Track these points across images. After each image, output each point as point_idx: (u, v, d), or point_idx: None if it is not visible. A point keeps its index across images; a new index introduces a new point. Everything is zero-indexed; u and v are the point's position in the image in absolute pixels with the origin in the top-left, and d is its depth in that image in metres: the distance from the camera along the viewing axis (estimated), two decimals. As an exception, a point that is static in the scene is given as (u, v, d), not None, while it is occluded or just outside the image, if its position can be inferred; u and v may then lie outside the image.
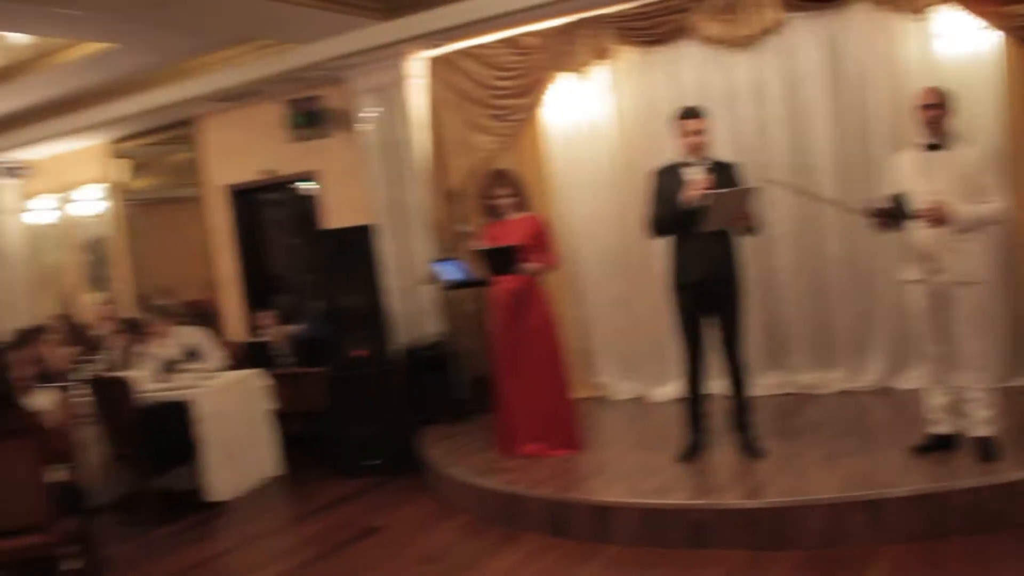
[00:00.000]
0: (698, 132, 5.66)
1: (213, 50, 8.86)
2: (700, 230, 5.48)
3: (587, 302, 8.16)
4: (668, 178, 5.72)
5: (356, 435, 7.42)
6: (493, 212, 6.55)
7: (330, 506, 6.82)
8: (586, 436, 6.72)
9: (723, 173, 5.67)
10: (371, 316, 7.48)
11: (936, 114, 5.18)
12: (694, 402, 5.95)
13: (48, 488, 5.07)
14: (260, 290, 10.37)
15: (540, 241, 6.43)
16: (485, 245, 6.35)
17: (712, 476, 5.61)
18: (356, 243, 7.55)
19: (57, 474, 5.40)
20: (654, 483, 5.52)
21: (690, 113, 5.70)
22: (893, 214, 5.17)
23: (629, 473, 5.83)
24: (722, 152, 7.10)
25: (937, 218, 5.04)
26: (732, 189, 5.52)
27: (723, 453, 5.92)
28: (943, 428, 5.39)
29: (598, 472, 5.99)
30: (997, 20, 6.46)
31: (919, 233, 5.17)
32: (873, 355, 7.21)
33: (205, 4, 6.91)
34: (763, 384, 7.40)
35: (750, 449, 5.79)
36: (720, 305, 5.73)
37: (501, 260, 6.24)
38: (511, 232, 6.40)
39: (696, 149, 5.67)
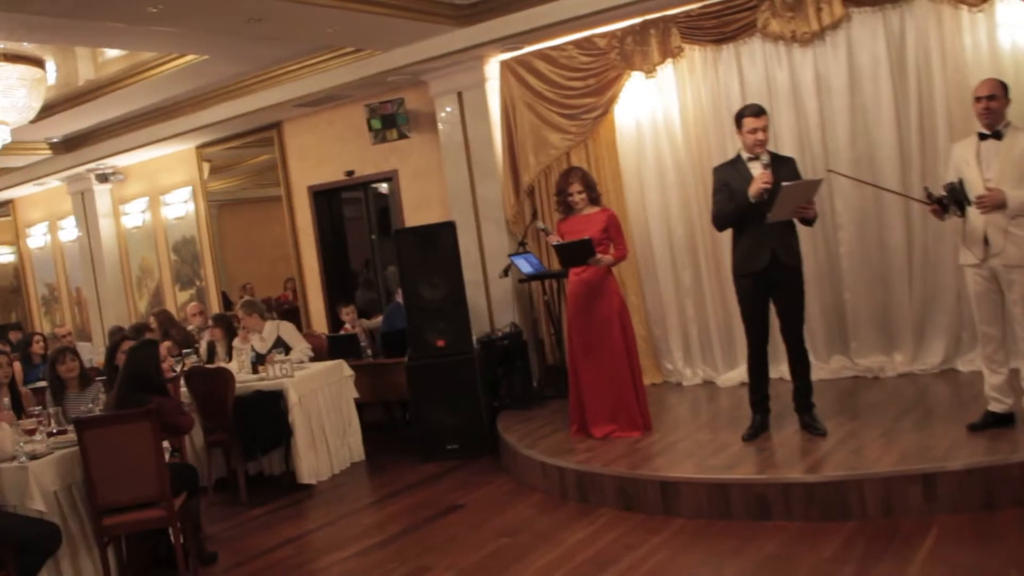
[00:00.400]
0: (759, 129, 5.92)
1: (298, 58, 9.33)
2: (767, 221, 5.75)
3: (658, 292, 8.47)
4: (731, 173, 6.03)
5: (436, 420, 7.81)
6: (567, 207, 6.88)
7: (413, 487, 7.22)
8: (656, 419, 7.04)
9: (782, 167, 5.95)
10: (450, 308, 7.86)
11: (990, 105, 5.40)
12: (758, 385, 6.25)
13: (166, 467, 5.53)
14: (341, 285, 10.86)
15: (612, 234, 6.76)
16: (562, 240, 6.68)
17: (774, 453, 5.87)
18: (437, 238, 7.93)
19: (170, 455, 5.89)
20: (719, 460, 5.83)
21: (752, 111, 5.98)
22: (951, 201, 5.43)
23: (696, 451, 6.14)
24: (787, 146, 7.47)
25: (992, 203, 5.26)
26: (800, 181, 5.81)
27: (786, 433, 6.18)
28: (1000, 407, 5.60)
29: (667, 451, 6.29)
30: (1056, 10, 6.61)
31: (975, 219, 5.40)
32: (935, 338, 7.40)
33: (294, 16, 7.31)
34: (827, 368, 7.71)
35: (811, 428, 6.06)
36: (782, 293, 6.01)
37: (577, 253, 6.58)
38: (585, 226, 6.73)
39: (758, 145, 5.94)
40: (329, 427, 7.93)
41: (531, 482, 6.70)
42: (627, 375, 6.74)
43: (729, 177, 6.01)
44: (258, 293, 11.61)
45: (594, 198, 6.87)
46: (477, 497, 6.71)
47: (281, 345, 8.27)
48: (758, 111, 5.97)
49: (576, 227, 6.76)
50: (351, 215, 11.10)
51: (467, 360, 7.83)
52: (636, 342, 7.02)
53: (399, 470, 7.77)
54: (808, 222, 5.97)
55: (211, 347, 9.05)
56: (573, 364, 6.94)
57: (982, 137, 5.47)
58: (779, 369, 7.45)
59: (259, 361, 8.10)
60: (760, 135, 5.93)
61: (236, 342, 8.54)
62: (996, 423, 5.60)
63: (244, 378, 7.86)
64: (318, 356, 8.73)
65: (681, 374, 8.40)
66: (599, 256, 6.63)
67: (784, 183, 5.69)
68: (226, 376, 7.42)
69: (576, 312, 6.85)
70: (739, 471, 5.55)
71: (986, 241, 5.38)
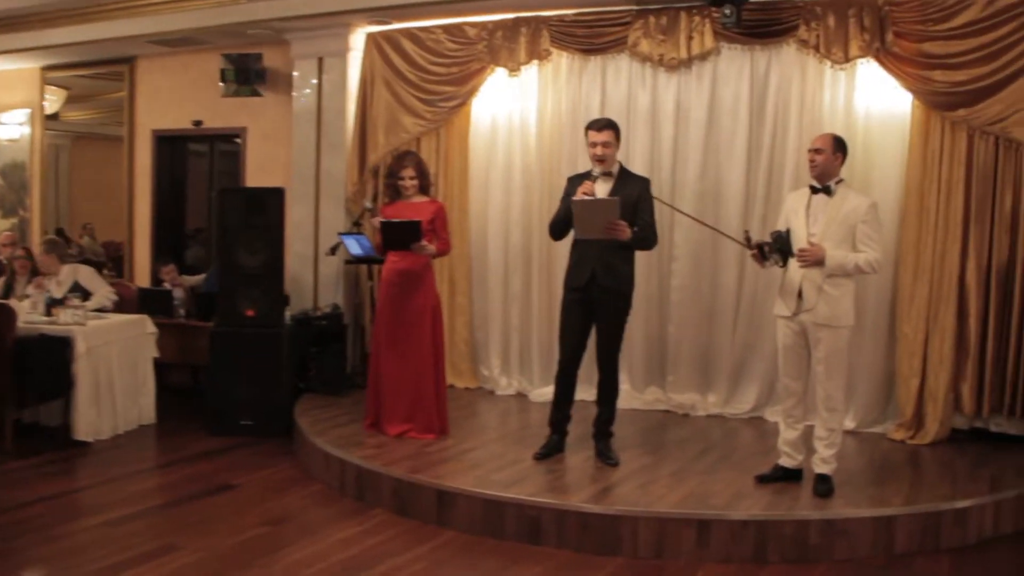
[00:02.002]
0: (598, 144, 5.71)
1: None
2: (576, 237, 5.58)
3: (486, 295, 8.21)
4: (573, 186, 5.81)
5: (233, 393, 7.38)
6: (396, 192, 6.59)
7: (193, 459, 6.80)
8: (457, 424, 6.80)
9: (628, 186, 5.75)
10: (267, 277, 7.46)
11: (815, 158, 5.39)
12: (560, 404, 6.03)
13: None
14: (173, 239, 10.30)
15: (437, 227, 6.48)
16: (387, 218, 6.38)
17: (561, 477, 5.69)
18: (264, 203, 7.50)
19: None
20: (504, 475, 5.60)
21: (595, 125, 5.78)
22: (773, 249, 5.35)
23: (484, 463, 5.90)
24: (638, 169, 7.26)
25: (812, 259, 5.21)
26: (594, 199, 5.57)
27: (580, 458, 6.01)
28: (790, 462, 5.57)
29: (455, 459, 6.04)
30: (910, 83, 6.65)
31: (794, 271, 5.35)
32: (749, 384, 7.38)
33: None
34: (641, 398, 7.62)
35: (604, 457, 5.89)
36: (600, 314, 5.81)
37: (404, 235, 6.28)
38: (411, 214, 6.43)
39: (599, 161, 5.73)
40: (119, 384, 7.43)
41: (314, 472, 6.37)
42: (430, 375, 6.46)
43: (573, 188, 5.80)
44: (100, 235, 10.99)
45: (425, 187, 6.59)
46: (254, 479, 6.33)
47: (79, 291, 7.72)
48: (601, 125, 5.77)
49: (402, 213, 6.46)
50: (196, 168, 10.53)
51: (275, 334, 7.43)
52: (444, 342, 6.76)
53: (186, 439, 7.32)
54: (631, 245, 5.71)
55: (9, 283, 8.40)
56: (376, 355, 6.64)
57: (814, 190, 5.43)
58: (592, 391, 7.37)
59: (54, 304, 7.53)
60: (599, 150, 5.71)
61: (34, 280, 7.93)
62: (784, 477, 5.55)
63: (33, 319, 7.30)
64: (126, 308, 8.23)
65: (496, 382, 8.16)
66: (424, 244, 6.34)
67: (574, 198, 5.51)
68: (7, 312, 6.84)
69: (387, 301, 6.56)
70: (518, 490, 5.32)
71: (800, 295, 5.32)
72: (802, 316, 5.32)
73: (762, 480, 5.55)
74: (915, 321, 6.73)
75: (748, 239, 5.47)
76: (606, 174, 5.76)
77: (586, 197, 5.51)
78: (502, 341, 8.17)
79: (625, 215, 5.55)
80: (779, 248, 5.34)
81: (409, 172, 6.48)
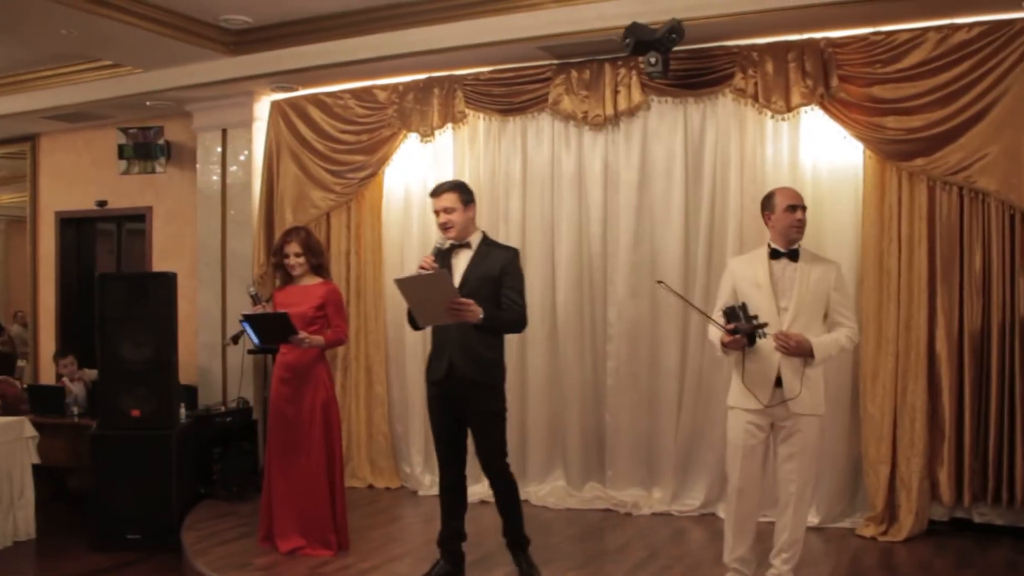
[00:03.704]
0: (439, 211, 4.87)
1: (51, 64, 8.18)
2: (419, 326, 4.84)
3: (406, 383, 7.38)
4: (440, 261, 4.89)
5: (118, 504, 6.48)
6: (286, 274, 5.80)
7: (60, 586, 5.90)
8: (364, 535, 5.98)
9: (490, 258, 4.86)
10: (155, 373, 6.61)
11: (803, 219, 4.62)
12: (446, 518, 5.12)
13: None
14: (81, 329, 9.47)
15: (329, 312, 5.68)
16: (254, 311, 5.56)
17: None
18: (150, 290, 6.68)
19: None
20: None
21: (434, 191, 4.95)
22: (750, 330, 4.45)
23: (380, 589, 5.03)
24: (565, 239, 6.67)
25: (797, 350, 4.42)
26: (416, 275, 4.65)
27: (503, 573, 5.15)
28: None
29: (348, 583, 5.17)
30: (860, 131, 5.98)
31: (770, 355, 4.49)
32: (698, 477, 6.56)
33: (15, 4, 6.17)
34: (579, 496, 6.84)
35: (523, 570, 5.02)
36: (469, 412, 4.90)
37: (273, 328, 5.49)
38: (301, 298, 5.67)
39: (445, 229, 4.88)
40: (-9, 497, 6.54)
41: (196, 598, 5.49)
42: (323, 484, 5.59)
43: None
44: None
45: (316, 266, 5.78)
46: (123, 611, 5.44)
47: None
48: (440, 190, 4.92)
49: (292, 299, 5.68)
50: (105, 250, 9.76)
51: (164, 436, 6.56)
52: (341, 444, 5.87)
53: (64, 557, 6.36)
54: (487, 328, 4.70)
55: None
56: (269, 462, 5.78)
57: (775, 255, 4.62)
58: (526, 491, 6.56)
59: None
60: (441, 217, 4.85)
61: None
62: None
63: None
64: (11, 409, 7.37)
65: (419, 481, 7.27)
66: (302, 336, 5.50)
67: (397, 277, 4.68)
68: None
69: (275, 401, 5.73)
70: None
71: (779, 383, 4.49)
72: (776, 408, 4.50)
73: None
74: (881, 399, 5.96)
75: (733, 324, 4.51)
76: (462, 246, 4.89)
77: (418, 273, 4.64)
78: (424, 434, 7.27)
79: (485, 293, 4.72)
80: (751, 327, 4.44)
81: (294, 249, 5.70)
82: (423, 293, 4.60)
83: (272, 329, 5.48)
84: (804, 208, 4.64)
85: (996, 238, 5.70)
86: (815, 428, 4.56)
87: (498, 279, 4.79)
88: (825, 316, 4.58)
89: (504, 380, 4.97)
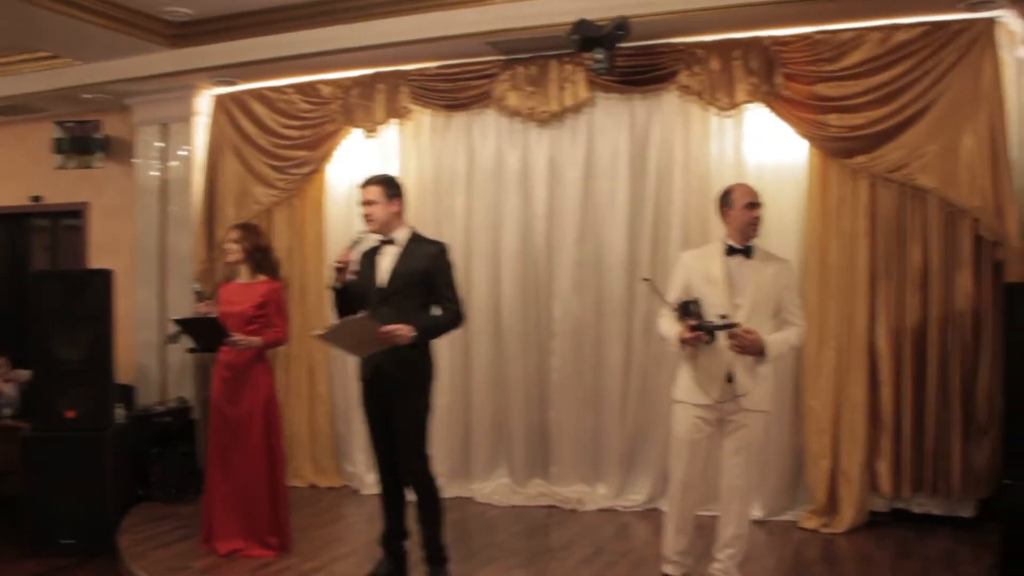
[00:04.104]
0: (366, 203, 4.78)
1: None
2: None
3: (348, 382, 7.20)
4: (363, 258, 4.83)
5: (52, 507, 6.31)
6: (228, 271, 5.69)
7: (-8, 591, 5.73)
8: (307, 534, 5.89)
9: (417, 255, 4.77)
10: (90, 373, 6.45)
11: (760, 216, 4.66)
12: (386, 518, 5.06)
13: None
14: (13, 329, 9.22)
15: (270, 311, 5.57)
16: (193, 314, 5.45)
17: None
18: (86, 287, 6.52)
19: None
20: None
21: (363, 182, 4.87)
22: (716, 329, 4.44)
23: (322, 589, 4.94)
24: (510, 235, 6.65)
25: (752, 348, 4.43)
26: (337, 325, 4.62)
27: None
28: (678, 571, 4.77)
29: (289, 583, 5.08)
30: (804, 128, 6.03)
31: (722, 352, 4.50)
32: (642, 473, 6.56)
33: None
34: (523, 493, 6.80)
35: None
36: (393, 410, 4.80)
37: (206, 332, 5.40)
38: (243, 296, 5.56)
39: (368, 221, 4.82)
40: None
41: (134, 602, 5.36)
42: (263, 484, 5.50)
43: (360, 265, 4.80)
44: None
45: (260, 262, 5.66)
46: (56, 617, 5.29)
47: None
48: (366, 182, 4.84)
49: (232, 296, 5.58)
50: (40, 247, 9.52)
51: (99, 438, 6.40)
52: (282, 444, 5.77)
53: (-3, 565, 6.24)
54: (423, 340, 4.72)
55: None
56: (210, 462, 5.66)
57: (731, 251, 4.63)
58: (470, 488, 6.55)
59: None
60: (364, 208, 4.77)
61: None
62: None
63: None
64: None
65: (362, 480, 7.17)
66: (237, 339, 5.38)
67: (317, 333, 4.69)
68: None
69: (215, 401, 5.62)
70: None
71: (729, 380, 4.50)
72: (727, 404, 4.51)
73: None
74: (823, 394, 6.02)
75: (692, 321, 4.48)
76: (387, 241, 4.81)
77: (331, 326, 4.61)
78: (365, 433, 7.18)
79: (412, 289, 4.69)
80: (710, 324, 4.44)
81: (232, 236, 5.60)
82: (350, 336, 4.57)
83: (206, 333, 5.38)
84: (761, 205, 4.67)
85: (935, 234, 5.78)
86: (762, 424, 4.61)
87: (425, 273, 4.73)
88: (775, 313, 4.60)
89: (432, 380, 4.87)
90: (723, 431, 4.60)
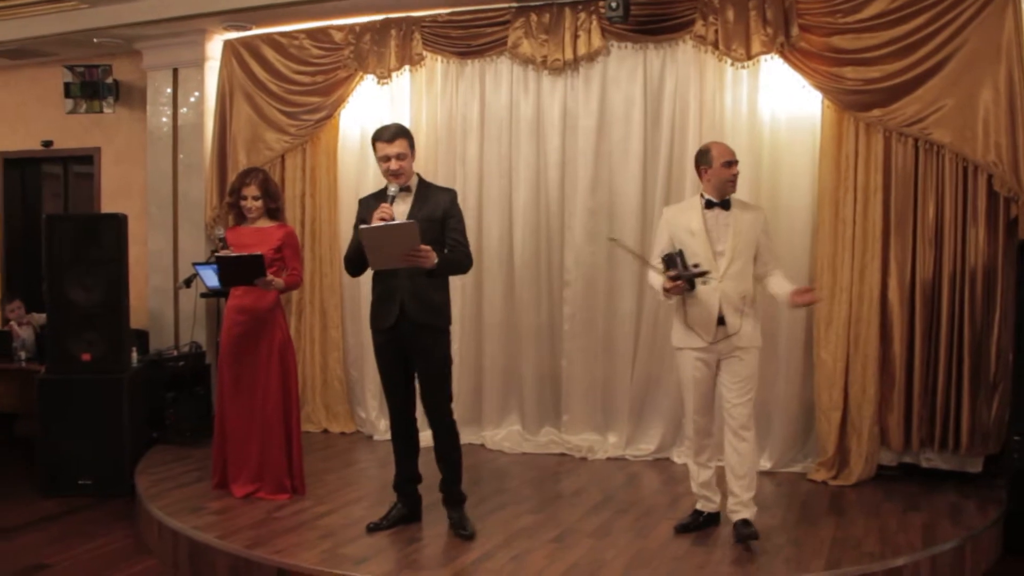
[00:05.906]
0: (391, 157, 4.74)
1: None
2: (371, 268, 4.75)
3: (361, 327, 7.30)
4: (366, 209, 4.85)
5: (69, 449, 6.40)
6: (240, 214, 5.70)
7: (12, 531, 5.78)
8: (319, 479, 5.97)
9: (431, 202, 4.81)
10: (105, 316, 6.50)
11: (737, 173, 4.83)
12: (400, 463, 5.13)
13: None
14: (28, 272, 9.28)
15: (286, 255, 5.61)
16: (228, 252, 5.46)
17: (422, 550, 4.78)
18: (100, 232, 6.54)
19: None
20: (355, 550, 4.71)
21: (384, 135, 4.79)
22: (690, 277, 4.64)
23: (337, 532, 4.99)
24: (523, 184, 6.63)
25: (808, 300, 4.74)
26: (386, 224, 4.55)
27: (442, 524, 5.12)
28: (708, 505, 5.02)
29: (305, 526, 5.13)
30: (820, 80, 5.98)
31: (709, 297, 4.69)
32: (653, 422, 6.63)
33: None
34: (534, 441, 6.87)
35: (457, 529, 4.94)
36: (418, 356, 4.86)
37: (245, 271, 5.37)
38: (256, 240, 5.58)
39: (395, 176, 4.78)
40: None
41: (150, 542, 5.42)
42: (279, 427, 5.58)
43: (366, 212, 4.81)
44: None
45: (272, 210, 5.68)
46: (74, 556, 5.31)
47: None
48: (392, 135, 4.77)
49: (245, 240, 5.58)
50: (51, 192, 9.53)
51: (115, 380, 6.46)
52: (298, 388, 5.86)
53: (15, 504, 6.29)
54: (440, 272, 4.74)
55: None
56: (220, 405, 5.73)
57: (709, 205, 4.76)
58: (481, 435, 6.62)
59: None
60: (393, 164, 4.73)
61: None
62: (705, 523, 4.98)
63: None
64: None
65: (374, 426, 7.26)
66: (270, 278, 5.43)
67: (363, 227, 4.60)
68: None
69: (229, 344, 5.65)
70: (371, 567, 4.45)
71: (720, 322, 4.67)
72: (720, 344, 4.71)
73: (683, 530, 4.95)
74: (834, 346, 6.03)
75: (677, 271, 4.66)
76: (403, 190, 4.82)
77: (381, 223, 4.55)
78: (379, 379, 7.21)
79: (430, 235, 4.68)
80: (692, 273, 4.65)
81: (252, 191, 5.59)
82: (386, 241, 4.53)
83: (242, 271, 5.37)
84: (738, 163, 4.80)
85: (949, 190, 5.75)
86: (756, 358, 4.80)
87: (442, 221, 4.78)
88: (754, 258, 4.78)
89: (450, 322, 4.98)
90: (721, 369, 4.79)
